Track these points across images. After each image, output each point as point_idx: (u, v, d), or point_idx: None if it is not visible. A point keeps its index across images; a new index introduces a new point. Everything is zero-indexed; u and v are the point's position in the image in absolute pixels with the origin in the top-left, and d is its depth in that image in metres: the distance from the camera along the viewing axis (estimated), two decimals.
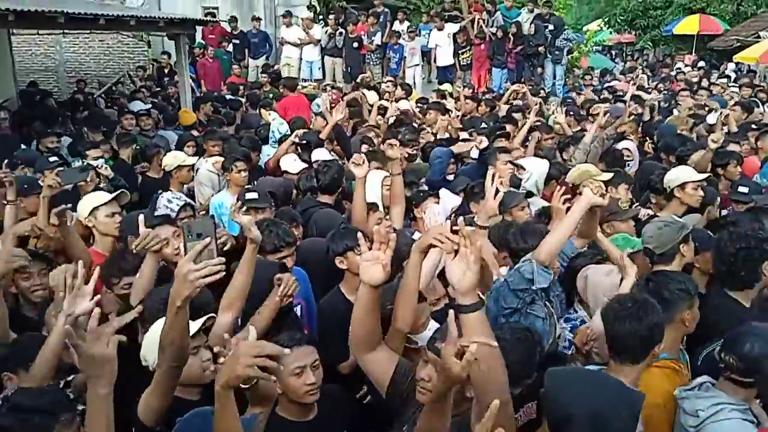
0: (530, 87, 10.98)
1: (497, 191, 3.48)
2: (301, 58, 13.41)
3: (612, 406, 2.09)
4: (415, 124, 7.45)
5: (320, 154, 5.98)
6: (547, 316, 2.96)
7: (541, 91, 10.84)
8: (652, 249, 3.43)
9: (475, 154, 5.62)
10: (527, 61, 13.06)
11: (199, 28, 12.44)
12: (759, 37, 18.95)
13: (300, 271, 3.62)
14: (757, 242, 3.15)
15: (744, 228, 3.45)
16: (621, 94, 10.63)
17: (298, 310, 3.50)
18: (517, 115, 7.77)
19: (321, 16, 14.45)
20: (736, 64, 17.62)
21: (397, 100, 9.40)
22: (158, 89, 12.63)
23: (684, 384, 2.71)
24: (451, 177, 5.46)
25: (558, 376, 2.31)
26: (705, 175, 4.53)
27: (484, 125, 7.23)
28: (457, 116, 8.06)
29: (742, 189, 4.55)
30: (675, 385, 2.69)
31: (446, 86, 11.57)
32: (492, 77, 13.23)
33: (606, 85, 13.54)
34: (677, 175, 4.50)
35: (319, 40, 13.31)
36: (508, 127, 6.88)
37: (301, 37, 13.28)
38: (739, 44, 19.11)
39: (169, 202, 4.74)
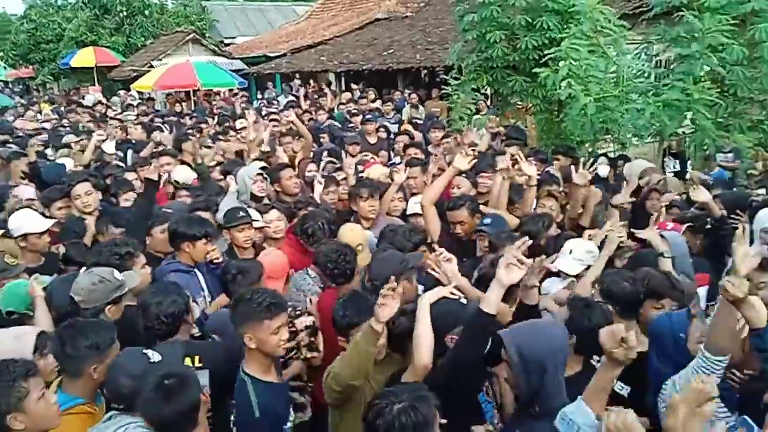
0: None
1: None
2: None
3: None
4: None
5: None
6: None
7: None
8: (78, 303, 3.15)
9: None
10: None
11: None
12: (152, 65, 20.63)
13: None
14: None
15: None
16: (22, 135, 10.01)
17: None
18: None
19: None
20: (137, 91, 18.70)
21: None
22: None
23: None
24: None
25: None
26: None
27: None
28: None
29: None
30: (89, 427, 2.61)
31: None
32: None
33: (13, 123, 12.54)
34: None
35: None
36: None
37: None
38: (135, 74, 20.36)
39: None
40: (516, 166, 4.80)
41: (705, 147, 7.27)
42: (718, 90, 7.27)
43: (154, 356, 2.49)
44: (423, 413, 2.08)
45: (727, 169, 8.01)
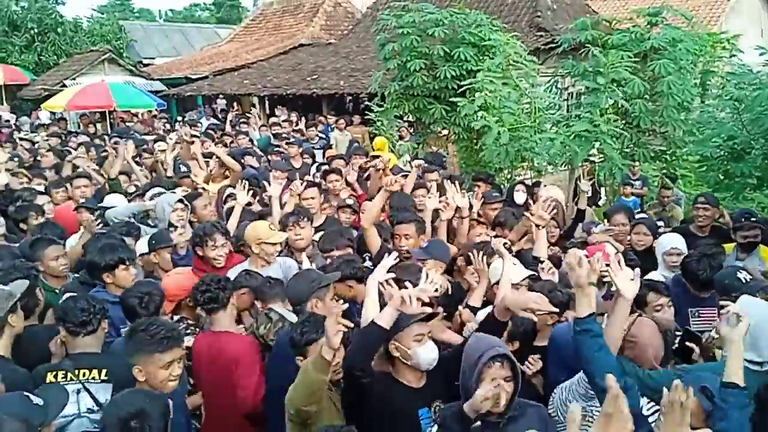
0: None
1: None
2: None
3: None
4: None
5: None
6: None
7: None
8: None
9: None
10: None
11: None
12: (65, 85, 19.81)
13: None
14: None
15: None
16: None
17: None
18: None
19: None
20: (50, 111, 17.89)
21: None
22: None
23: None
24: None
25: None
26: None
27: None
28: None
29: None
30: None
31: None
32: None
33: None
34: None
35: None
36: None
37: None
38: (46, 93, 19.48)
39: None
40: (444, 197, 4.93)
41: (613, 175, 7.71)
42: (623, 122, 7.75)
43: (36, 399, 2.34)
44: None
45: (636, 195, 8.56)
